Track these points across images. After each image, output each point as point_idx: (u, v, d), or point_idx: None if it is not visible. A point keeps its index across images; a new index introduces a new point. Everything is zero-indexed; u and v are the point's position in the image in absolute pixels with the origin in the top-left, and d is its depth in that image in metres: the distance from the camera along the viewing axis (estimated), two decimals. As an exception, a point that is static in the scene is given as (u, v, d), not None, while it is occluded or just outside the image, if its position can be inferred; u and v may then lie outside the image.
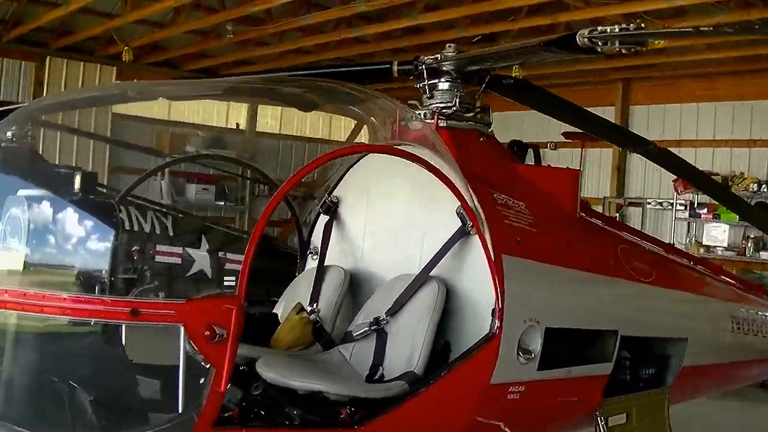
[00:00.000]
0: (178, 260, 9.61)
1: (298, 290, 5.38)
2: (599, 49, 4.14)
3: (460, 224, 4.58)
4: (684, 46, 13.35)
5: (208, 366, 3.59)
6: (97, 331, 4.73)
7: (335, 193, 5.58)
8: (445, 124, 5.10)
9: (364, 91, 5.01)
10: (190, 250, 9.76)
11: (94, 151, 15.11)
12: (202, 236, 10.09)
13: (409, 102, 5.23)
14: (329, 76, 5.61)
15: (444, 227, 4.68)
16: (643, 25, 4.04)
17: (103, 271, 6.53)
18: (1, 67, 15.14)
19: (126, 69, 15.71)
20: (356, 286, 5.30)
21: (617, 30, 4.00)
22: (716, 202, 13.31)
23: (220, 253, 9.75)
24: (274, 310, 5.36)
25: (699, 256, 12.46)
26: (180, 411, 3.65)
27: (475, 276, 4.58)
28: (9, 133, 7.73)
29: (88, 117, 14.16)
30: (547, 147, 13.17)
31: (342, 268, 5.29)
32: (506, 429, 4.63)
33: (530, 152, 7.99)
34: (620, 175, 16.50)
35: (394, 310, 4.62)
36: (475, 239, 4.55)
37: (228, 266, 9.55)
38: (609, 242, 5.64)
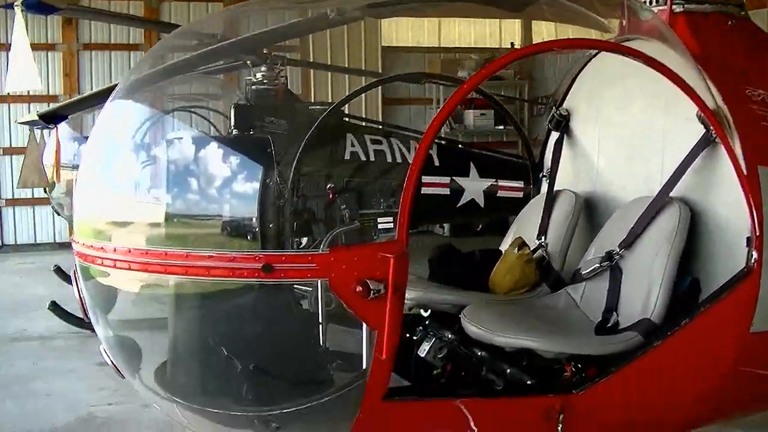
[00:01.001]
0: (446, 190, 9.31)
1: (526, 221, 4.82)
2: None
3: (704, 131, 3.67)
4: None
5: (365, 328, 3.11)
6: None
7: (564, 105, 4.93)
8: (681, 9, 4.15)
9: None
10: (458, 179, 9.41)
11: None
12: (470, 164, 9.67)
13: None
14: None
15: (688, 136, 3.81)
16: None
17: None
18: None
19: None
20: (591, 213, 4.64)
21: None
22: None
23: (491, 181, 9.26)
24: (501, 246, 4.79)
25: None
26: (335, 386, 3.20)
27: (723, 196, 3.68)
28: (259, 75, 7.73)
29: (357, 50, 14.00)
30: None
31: (574, 193, 4.65)
32: None
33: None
34: None
35: (629, 241, 3.88)
36: (723, 149, 3.61)
37: (501, 194, 9.05)
38: None
